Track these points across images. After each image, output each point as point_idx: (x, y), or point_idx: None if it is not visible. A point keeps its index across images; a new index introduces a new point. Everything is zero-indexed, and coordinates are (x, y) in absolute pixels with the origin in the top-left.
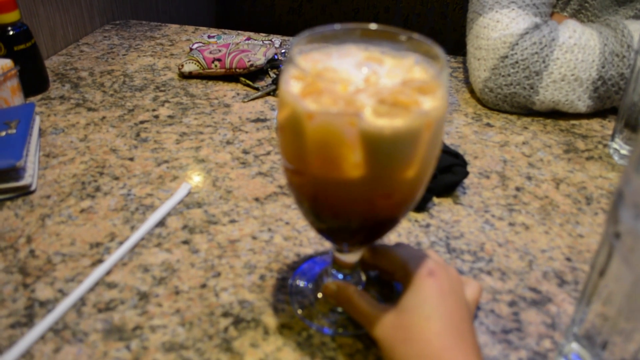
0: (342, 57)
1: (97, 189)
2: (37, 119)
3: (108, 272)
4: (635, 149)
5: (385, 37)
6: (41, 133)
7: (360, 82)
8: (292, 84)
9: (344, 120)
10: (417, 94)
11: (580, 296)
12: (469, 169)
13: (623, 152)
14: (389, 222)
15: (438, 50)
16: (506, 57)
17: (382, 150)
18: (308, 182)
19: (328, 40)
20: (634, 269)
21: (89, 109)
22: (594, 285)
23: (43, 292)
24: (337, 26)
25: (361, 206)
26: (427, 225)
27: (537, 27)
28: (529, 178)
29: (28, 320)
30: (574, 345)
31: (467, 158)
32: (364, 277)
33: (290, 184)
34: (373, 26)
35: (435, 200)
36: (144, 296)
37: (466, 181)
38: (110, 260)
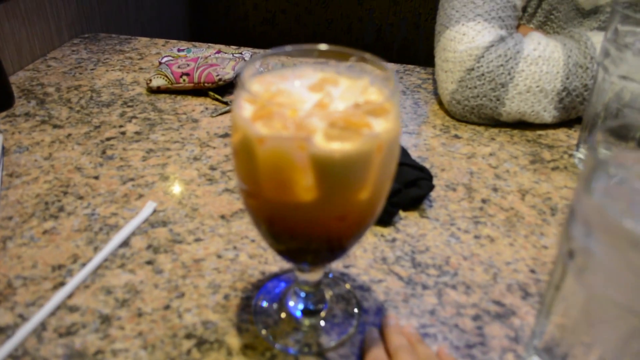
0: (296, 79)
1: (61, 209)
2: (1, 137)
3: (70, 295)
4: (585, 167)
5: (339, 58)
6: (5, 152)
7: (312, 105)
8: (244, 107)
9: (294, 144)
10: (368, 117)
11: (540, 308)
12: (435, 181)
13: None
14: (347, 243)
15: (389, 72)
16: (472, 69)
17: (333, 173)
18: (263, 204)
19: (284, 61)
20: (586, 287)
21: (55, 126)
22: (551, 298)
23: (3, 317)
24: (289, 48)
25: (316, 228)
26: (393, 240)
27: (502, 39)
28: (495, 190)
29: None
30: (535, 359)
31: (434, 170)
32: (327, 295)
33: (247, 206)
34: (324, 47)
35: (402, 214)
36: (106, 319)
37: (433, 194)
38: (72, 283)
